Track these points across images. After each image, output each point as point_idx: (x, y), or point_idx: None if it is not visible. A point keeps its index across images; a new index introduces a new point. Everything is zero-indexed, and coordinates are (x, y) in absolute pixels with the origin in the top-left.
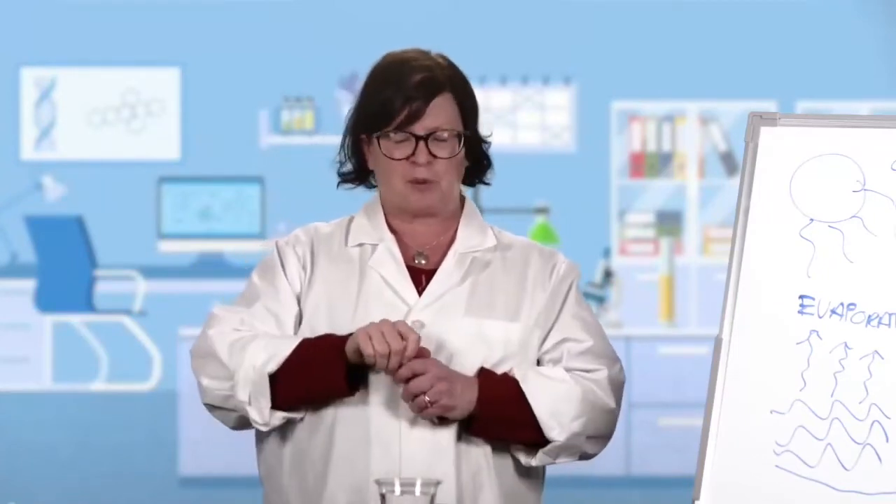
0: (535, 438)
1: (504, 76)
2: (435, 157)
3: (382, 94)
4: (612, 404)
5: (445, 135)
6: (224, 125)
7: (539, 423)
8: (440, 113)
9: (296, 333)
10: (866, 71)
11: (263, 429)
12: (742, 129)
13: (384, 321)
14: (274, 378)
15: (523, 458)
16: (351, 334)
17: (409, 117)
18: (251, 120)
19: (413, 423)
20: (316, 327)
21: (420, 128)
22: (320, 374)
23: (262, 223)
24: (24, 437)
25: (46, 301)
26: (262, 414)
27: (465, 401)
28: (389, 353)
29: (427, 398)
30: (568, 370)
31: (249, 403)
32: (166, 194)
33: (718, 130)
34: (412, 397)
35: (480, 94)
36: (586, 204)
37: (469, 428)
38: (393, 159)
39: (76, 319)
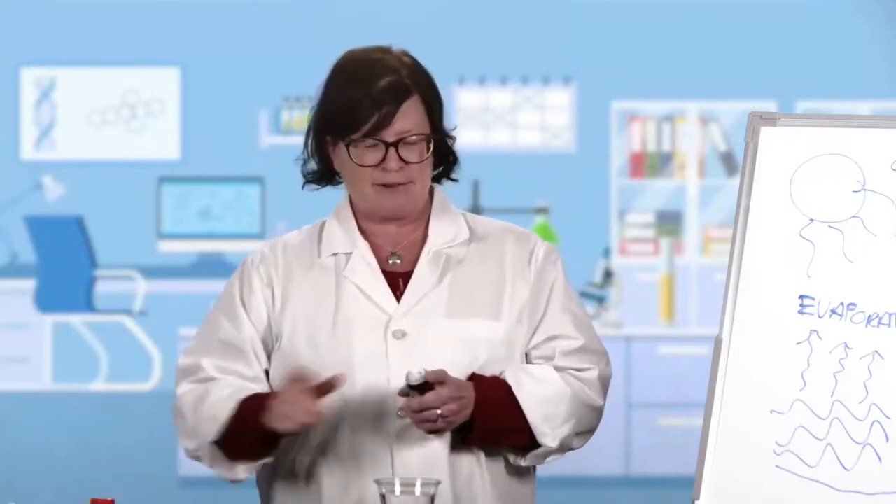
0: (526, 442)
1: (504, 76)
2: (406, 162)
3: (348, 98)
4: (601, 402)
5: (414, 139)
6: (224, 125)
7: (532, 429)
8: (409, 118)
9: (269, 354)
10: (866, 71)
11: (235, 482)
12: (742, 129)
13: (291, 389)
14: (229, 437)
15: (512, 459)
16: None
17: (377, 124)
18: (251, 120)
19: (405, 433)
20: (296, 345)
21: (389, 134)
22: (243, 448)
23: (262, 223)
24: (24, 437)
25: (46, 301)
26: (229, 474)
27: (467, 412)
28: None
29: (439, 411)
30: (558, 368)
31: (213, 467)
32: (166, 194)
33: (718, 130)
34: (419, 411)
35: (480, 94)
36: (586, 204)
37: (464, 438)
38: (362, 166)
39: (76, 319)
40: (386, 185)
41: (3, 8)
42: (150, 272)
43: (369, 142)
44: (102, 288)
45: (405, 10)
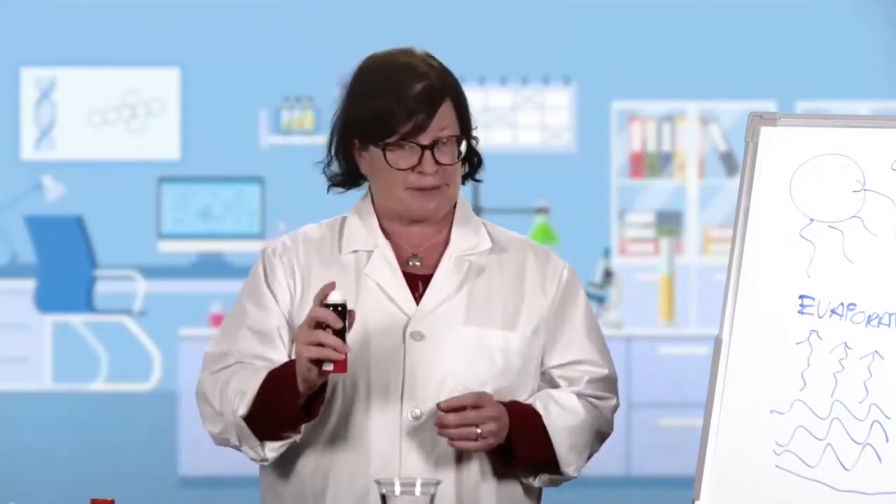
0: (546, 468)
1: (504, 76)
2: (440, 164)
3: (381, 104)
4: (611, 431)
5: (448, 141)
6: (224, 125)
7: (558, 458)
8: (443, 121)
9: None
10: (866, 71)
11: (263, 464)
12: (742, 129)
13: (299, 331)
14: (256, 416)
15: (525, 479)
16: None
17: (414, 129)
18: (251, 120)
19: (412, 436)
20: None
21: (426, 137)
22: (280, 407)
23: (262, 223)
24: (24, 437)
25: (46, 301)
26: (256, 452)
27: (502, 434)
28: (333, 348)
29: (479, 430)
30: (580, 395)
31: (241, 445)
32: (166, 194)
33: (718, 130)
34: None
35: (480, 94)
36: (586, 204)
37: (505, 464)
38: (398, 169)
39: (76, 319)
40: (422, 190)
41: (3, 8)
42: (150, 272)
43: (405, 145)
44: (102, 288)
45: (405, 10)
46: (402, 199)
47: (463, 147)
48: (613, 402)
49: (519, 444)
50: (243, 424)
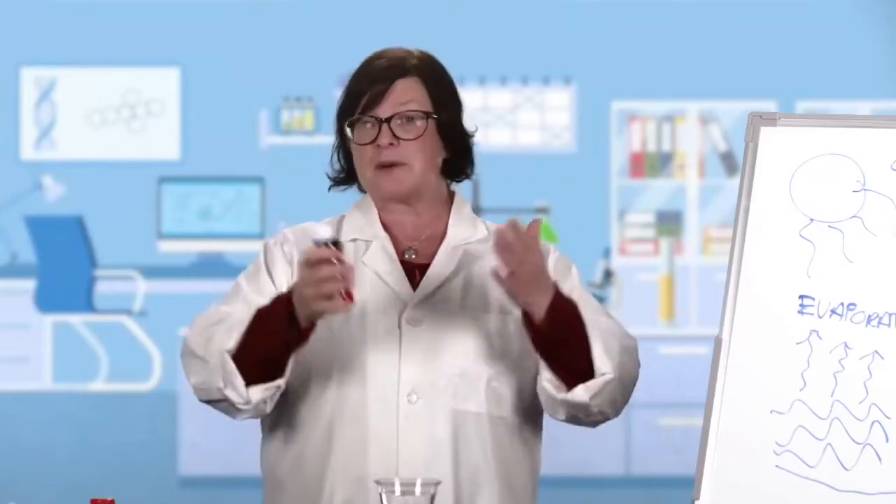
0: (576, 373)
1: (504, 76)
2: (399, 139)
3: (351, 85)
4: (637, 372)
5: (411, 115)
6: (224, 125)
7: (591, 352)
8: (403, 95)
9: None
10: (866, 71)
11: (246, 408)
12: (742, 129)
13: (300, 276)
14: (242, 356)
15: (554, 390)
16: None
17: (371, 100)
18: (251, 120)
19: (411, 422)
20: None
21: (383, 110)
22: (272, 332)
23: (262, 223)
24: (24, 437)
25: (46, 301)
26: (240, 393)
27: (545, 298)
28: (332, 277)
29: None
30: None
31: (225, 387)
32: (166, 194)
33: (718, 130)
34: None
35: (480, 94)
36: (586, 204)
37: (533, 338)
38: (360, 144)
39: (76, 319)
40: (382, 167)
41: (3, 8)
42: (150, 272)
43: (366, 119)
44: (102, 288)
45: (405, 10)
46: (369, 179)
47: (428, 124)
48: (636, 342)
49: (552, 315)
50: (228, 360)
